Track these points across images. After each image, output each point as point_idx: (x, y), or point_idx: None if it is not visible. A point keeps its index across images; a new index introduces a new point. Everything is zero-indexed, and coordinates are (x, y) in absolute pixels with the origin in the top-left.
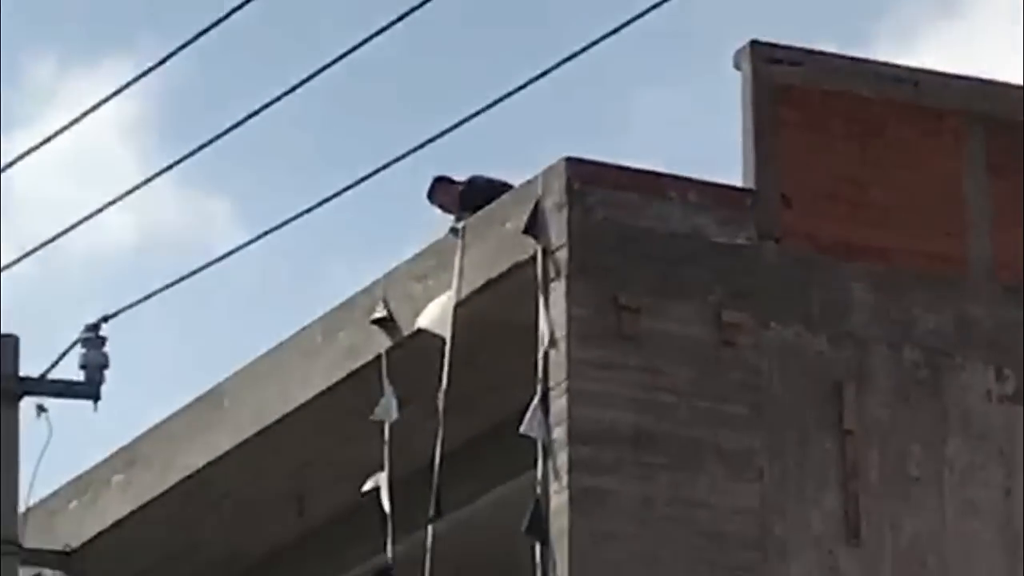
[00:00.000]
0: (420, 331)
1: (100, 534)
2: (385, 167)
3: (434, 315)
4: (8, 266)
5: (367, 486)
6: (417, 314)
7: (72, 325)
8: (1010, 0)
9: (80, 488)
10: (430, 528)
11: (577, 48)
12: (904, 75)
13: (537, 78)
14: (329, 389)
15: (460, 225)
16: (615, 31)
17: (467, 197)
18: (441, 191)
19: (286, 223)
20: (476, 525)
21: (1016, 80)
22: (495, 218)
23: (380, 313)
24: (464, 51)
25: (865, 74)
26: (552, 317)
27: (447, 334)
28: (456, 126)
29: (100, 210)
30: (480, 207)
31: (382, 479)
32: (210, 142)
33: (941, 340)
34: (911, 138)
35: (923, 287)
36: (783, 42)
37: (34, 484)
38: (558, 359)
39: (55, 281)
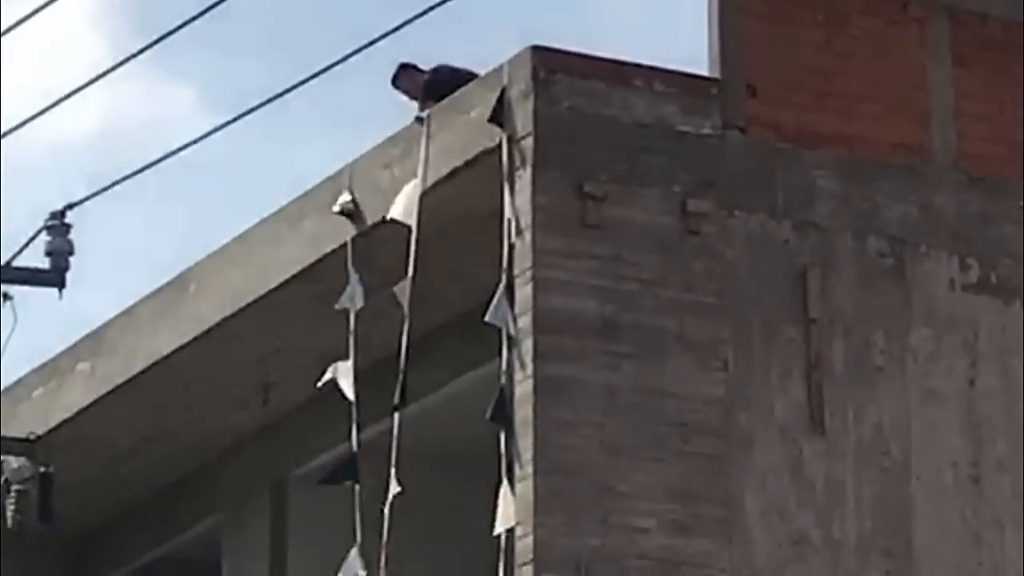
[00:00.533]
0: (385, 219)
1: (65, 422)
2: (352, 54)
3: (401, 204)
4: None
5: (324, 378)
6: (383, 201)
7: (37, 214)
8: None
9: (45, 376)
10: (395, 416)
11: None
12: None
13: None
14: (295, 277)
15: (425, 114)
16: None
17: (431, 86)
18: (406, 78)
19: (252, 111)
20: (441, 413)
21: None
22: (461, 106)
23: (345, 200)
24: None
25: None
26: (517, 205)
27: (413, 223)
28: (423, 13)
29: (66, 97)
30: (445, 96)
31: (343, 368)
32: (176, 29)
33: (905, 229)
34: (876, 28)
35: (888, 176)
36: None
37: None
38: (523, 247)
39: (19, 169)
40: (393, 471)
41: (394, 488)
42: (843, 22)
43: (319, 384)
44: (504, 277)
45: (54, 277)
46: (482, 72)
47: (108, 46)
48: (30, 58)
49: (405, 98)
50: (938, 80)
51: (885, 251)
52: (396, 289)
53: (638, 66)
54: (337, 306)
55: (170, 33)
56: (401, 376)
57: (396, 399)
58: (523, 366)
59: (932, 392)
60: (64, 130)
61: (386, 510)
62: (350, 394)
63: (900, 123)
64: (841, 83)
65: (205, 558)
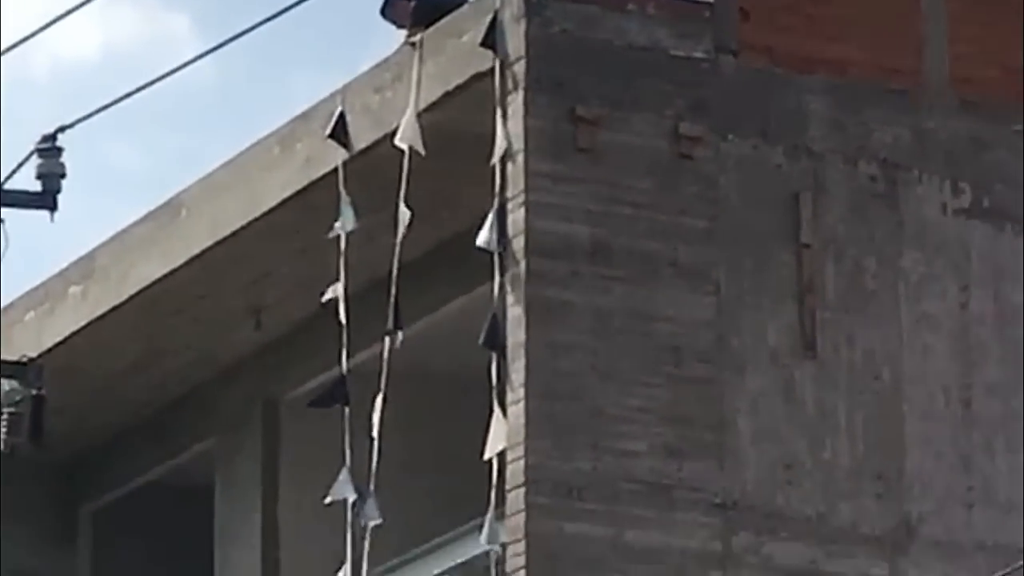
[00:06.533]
0: (377, 143)
1: (57, 345)
2: None
3: (408, 129)
4: None
5: (327, 295)
6: (374, 125)
7: (31, 138)
8: None
9: (37, 299)
10: (387, 340)
11: None
12: None
13: None
14: (286, 201)
15: (417, 38)
16: None
17: (419, 12)
18: (395, 6)
19: (243, 34)
20: (433, 337)
21: None
22: (453, 31)
23: (336, 125)
24: None
25: None
26: (509, 129)
27: (417, 145)
28: None
29: (59, 19)
30: (434, 22)
31: (339, 289)
32: None
33: (897, 154)
34: None
35: (880, 100)
36: None
37: None
38: (515, 171)
39: (13, 93)
40: (382, 395)
41: (379, 411)
42: None
43: (323, 299)
44: (496, 201)
45: (46, 200)
46: None
47: None
48: None
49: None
50: (932, 3)
51: (877, 176)
52: (400, 213)
53: None
54: (330, 234)
55: None
56: (393, 300)
57: (389, 323)
58: (515, 290)
59: (924, 316)
60: (61, 53)
61: (375, 433)
62: (342, 317)
63: (893, 47)
64: (834, 7)
65: (198, 482)
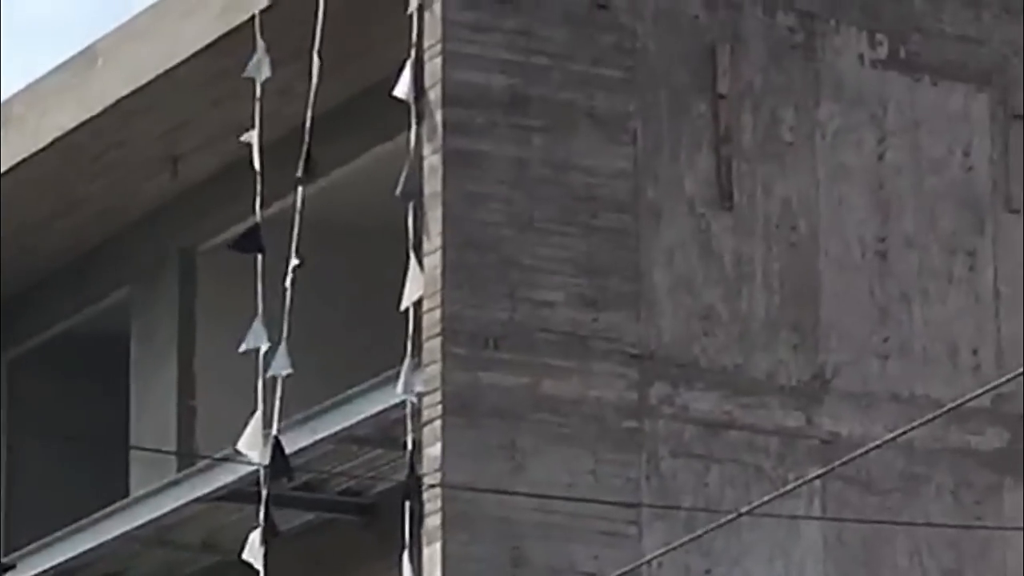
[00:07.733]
0: None
1: None
2: None
3: None
4: None
5: (244, 137)
6: None
7: None
8: None
9: None
10: (299, 189)
11: None
12: None
13: None
14: (204, 49)
15: None
16: None
17: None
18: None
19: None
20: (349, 187)
21: None
22: None
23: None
24: None
25: None
26: None
27: None
28: None
29: None
30: None
31: (254, 136)
32: None
33: (815, 4)
34: None
35: None
36: None
37: None
38: (432, 21)
39: None
40: (294, 244)
41: (294, 261)
42: None
43: (240, 139)
44: (413, 51)
45: None
46: None
47: None
48: None
49: None
50: None
51: (794, 26)
52: (314, 62)
53: None
54: (244, 74)
55: None
56: (306, 148)
57: (300, 171)
58: (431, 140)
59: (841, 167)
60: None
61: (287, 283)
62: (257, 164)
63: None
64: None
65: (115, 330)
